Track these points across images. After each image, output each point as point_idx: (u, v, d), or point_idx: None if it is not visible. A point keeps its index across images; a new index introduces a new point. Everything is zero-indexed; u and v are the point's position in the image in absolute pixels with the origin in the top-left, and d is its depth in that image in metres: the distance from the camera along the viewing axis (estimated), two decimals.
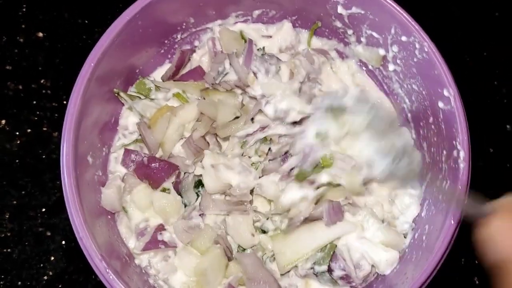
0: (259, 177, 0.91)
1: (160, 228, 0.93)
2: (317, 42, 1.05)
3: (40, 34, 1.18)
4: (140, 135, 0.97)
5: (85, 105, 0.86)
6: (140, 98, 0.98)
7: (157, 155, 0.97)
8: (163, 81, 1.02)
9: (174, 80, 1.02)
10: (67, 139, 0.82)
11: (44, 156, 1.10)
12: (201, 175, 0.93)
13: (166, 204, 0.92)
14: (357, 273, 0.88)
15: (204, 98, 0.97)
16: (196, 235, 0.91)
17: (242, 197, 0.90)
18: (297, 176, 0.87)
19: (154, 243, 0.91)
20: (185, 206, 0.95)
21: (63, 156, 0.82)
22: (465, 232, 1.00)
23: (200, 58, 1.04)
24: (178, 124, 0.94)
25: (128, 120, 1.01)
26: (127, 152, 0.96)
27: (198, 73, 1.02)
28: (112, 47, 0.88)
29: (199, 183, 0.95)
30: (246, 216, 0.91)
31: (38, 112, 1.13)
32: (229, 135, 0.94)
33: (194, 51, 1.05)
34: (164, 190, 0.94)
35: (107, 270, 0.78)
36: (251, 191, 0.92)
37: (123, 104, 1.01)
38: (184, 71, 1.04)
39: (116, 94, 0.97)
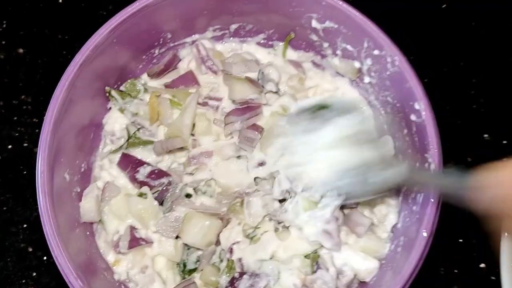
0: None
1: (132, 228, 0.94)
2: (293, 54, 1.06)
3: (21, 50, 1.19)
4: (130, 137, 0.99)
5: (58, 127, 0.87)
6: (130, 96, 1.00)
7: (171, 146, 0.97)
8: (148, 75, 1.04)
9: (166, 86, 1.03)
10: (42, 160, 0.83)
11: (25, 172, 1.10)
12: (195, 186, 0.97)
13: (142, 209, 0.93)
14: (340, 278, 0.89)
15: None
16: (184, 225, 0.92)
17: None
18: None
19: (136, 241, 0.92)
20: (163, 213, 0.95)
21: (38, 177, 0.82)
22: (443, 242, 1.02)
23: (188, 65, 1.05)
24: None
25: (115, 126, 1.02)
26: (125, 156, 0.98)
27: (189, 79, 1.03)
28: (86, 65, 0.89)
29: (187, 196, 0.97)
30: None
31: (19, 128, 1.13)
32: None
33: (180, 60, 1.06)
34: (141, 194, 0.94)
35: None
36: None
37: (103, 114, 1.02)
38: (173, 76, 1.05)
39: (107, 93, 0.99)
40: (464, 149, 1.10)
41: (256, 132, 0.96)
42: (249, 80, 0.98)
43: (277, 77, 1.00)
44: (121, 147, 1.00)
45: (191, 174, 0.98)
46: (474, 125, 1.11)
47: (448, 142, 1.08)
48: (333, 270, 0.88)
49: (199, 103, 1.00)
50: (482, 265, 1.03)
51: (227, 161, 0.97)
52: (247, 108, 0.98)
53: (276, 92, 0.99)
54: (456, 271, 1.03)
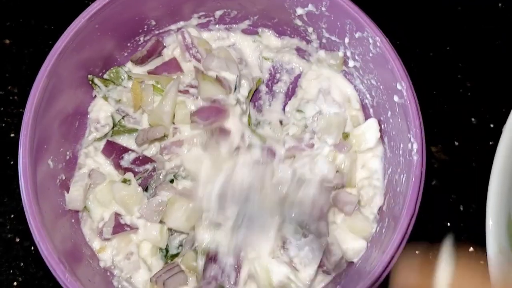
0: None
1: (117, 215, 0.94)
2: (278, 42, 1.06)
3: (7, 41, 1.18)
4: (115, 125, 0.99)
5: (41, 115, 0.87)
6: (114, 83, 1.00)
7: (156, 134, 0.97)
8: (132, 61, 1.04)
9: (149, 73, 1.03)
10: (24, 146, 0.83)
11: (12, 162, 1.10)
12: (175, 172, 0.96)
13: (126, 195, 0.93)
14: (328, 258, 0.89)
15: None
16: (167, 209, 0.92)
17: None
18: None
19: (120, 227, 0.92)
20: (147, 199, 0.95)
21: (20, 163, 0.82)
22: (431, 226, 1.02)
23: (172, 52, 1.05)
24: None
25: (100, 113, 1.01)
26: (109, 143, 0.98)
27: (172, 66, 1.03)
28: (68, 53, 0.88)
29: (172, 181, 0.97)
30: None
31: (5, 119, 1.13)
32: None
33: (165, 47, 1.06)
34: (125, 181, 0.94)
35: (66, 274, 0.79)
36: None
37: (89, 103, 1.02)
38: (157, 63, 1.04)
39: (90, 81, 0.98)
40: (452, 133, 1.10)
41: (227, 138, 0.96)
42: (218, 80, 0.97)
43: (246, 91, 1.00)
44: (106, 134, 1.00)
45: (169, 160, 0.98)
46: (462, 109, 1.11)
47: (436, 127, 1.09)
48: None
49: (180, 91, 0.99)
50: (471, 249, 1.03)
51: (198, 148, 0.96)
52: (214, 110, 0.96)
53: (241, 104, 0.99)
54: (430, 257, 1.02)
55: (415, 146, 0.82)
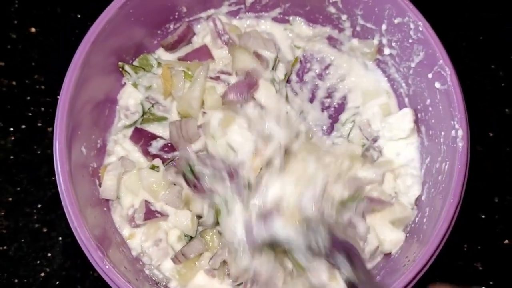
0: None
1: (147, 202, 0.93)
2: (309, 31, 1.04)
3: (33, 29, 1.17)
4: (145, 113, 0.98)
5: (75, 102, 0.86)
6: (144, 70, 0.99)
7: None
8: (162, 46, 1.02)
9: (179, 59, 1.02)
10: (60, 131, 0.82)
11: (39, 152, 1.09)
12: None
13: (154, 182, 0.92)
14: (363, 246, 0.87)
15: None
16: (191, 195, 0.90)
17: None
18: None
19: (151, 213, 0.91)
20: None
21: (56, 146, 0.81)
22: (465, 219, 1.00)
23: (202, 40, 1.04)
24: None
25: (129, 101, 1.00)
26: (137, 130, 0.97)
27: (203, 52, 1.01)
28: (99, 41, 0.87)
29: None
30: None
31: (32, 108, 1.12)
32: None
33: (195, 34, 1.05)
34: (153, 167, 0.93)
35: (103, 260, 0.77)
36: None
37: (118, 90, 1.01)
38: (187, 50, 1.03)
39: (120, 68, 0.98)
40: (486, 124, 1.08)
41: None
42: (256, 54, 0.96)
43: (282, 74, 0.99)
44: (135, 122, 0.99)
45: (193, 142, 0.96)
46: (495, 99, 1.09)
47: (469, 117, 1.07)
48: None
49: (211, 77, 0.98)
50: (506, 241, 1.01)
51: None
52: (246, 85, 0.94)
53: (274, 84, 0.97)
54: (479, 247, 1.01)
55: (460, 132, 0.80)
